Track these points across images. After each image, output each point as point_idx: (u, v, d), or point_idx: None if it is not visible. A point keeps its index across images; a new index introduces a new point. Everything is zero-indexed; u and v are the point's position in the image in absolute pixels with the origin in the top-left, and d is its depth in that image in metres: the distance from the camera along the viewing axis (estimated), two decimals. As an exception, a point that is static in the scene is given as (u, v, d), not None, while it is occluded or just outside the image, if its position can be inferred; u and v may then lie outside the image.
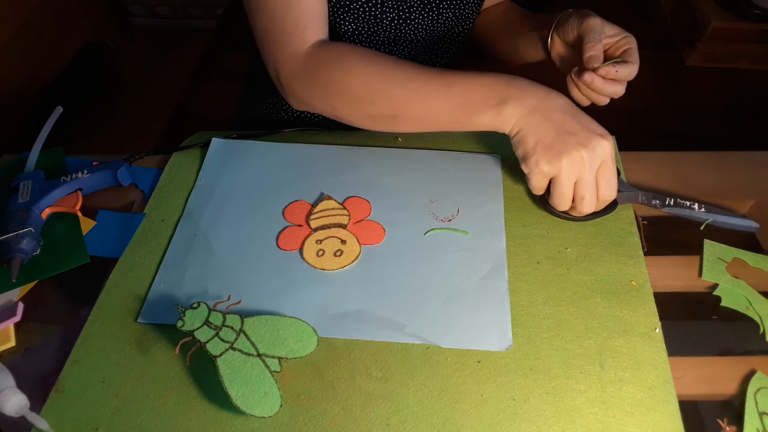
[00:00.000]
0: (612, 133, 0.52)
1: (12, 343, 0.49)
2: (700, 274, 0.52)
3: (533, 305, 0.49)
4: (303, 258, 0.53)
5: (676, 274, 0.53)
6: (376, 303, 0.50)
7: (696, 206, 0.56)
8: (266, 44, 0.58)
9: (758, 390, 0.45)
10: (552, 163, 0.50)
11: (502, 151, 0.63)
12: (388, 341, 0.47)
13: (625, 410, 0.43)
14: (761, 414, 0.43)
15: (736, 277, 0.52)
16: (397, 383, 0.45)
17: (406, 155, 0.63)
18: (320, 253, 0.53)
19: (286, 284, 0.51)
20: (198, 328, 0.45)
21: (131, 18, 2.10)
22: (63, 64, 1.66)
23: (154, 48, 2.05)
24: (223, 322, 0.45)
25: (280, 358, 0.45)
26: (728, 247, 0.54)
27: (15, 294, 0.52)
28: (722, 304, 0.50)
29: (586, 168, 0.50)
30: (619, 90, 0.55)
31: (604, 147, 0.50)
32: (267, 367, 0.43)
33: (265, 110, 0.79)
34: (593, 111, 0.55)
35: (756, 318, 0.49)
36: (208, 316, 0.45)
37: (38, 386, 0.45)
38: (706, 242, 0.55)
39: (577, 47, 0.57)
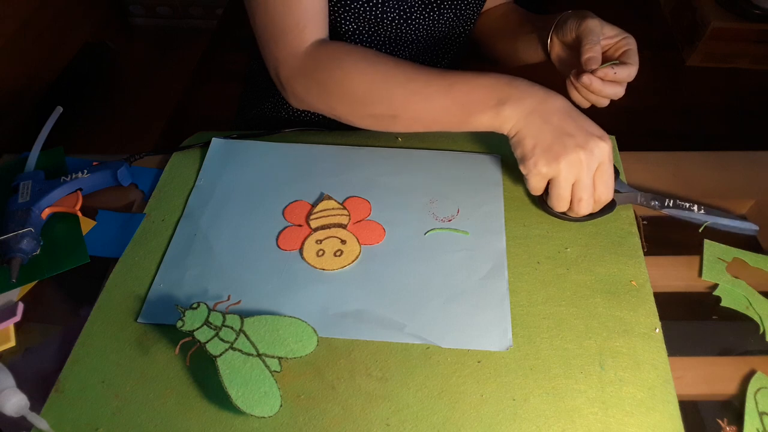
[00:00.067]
0: (612, 133, 0.52)
1: (12, 343, 0.49)
2: (700, 274, 0.52)
3: (533, 305, 0.49)
4: (303, 258, 0.53)
5: (676, 274, 0.53)
6: (376, 303, 0.50)
7: (695, 208, 0.56)
8: (266, 43, 0.58)
9: (758, 390, 0.45)
10: (550, 164, 0.50)
11: (502, 151, 0.63)
12: (388, 341, 0.47)
13: (625, 410, 0.43)
14: (761, 414, 0.43)
15: (736, 277, 0.52)
16: (397, 383, 0.45)
17: (406, 155, 0.63)
18: (320, 253, 0.53)
19: (286, 284, 0.51)
20: (198, 328, 0.45)
21: (131, 18, 2.10)
22: (63, 64, 1.66)
23: (154, 48, 2.05)
24: (223, 322, 0.45)
25: (280, 358, 0.45)
26: (728, 247, 0.54)
27: (15, 294, 0.52)
28: (722, 304, 0.50)
29: (584, 170, 0.50)
30: (618, 91, 0.55)
31: (602, 149, 0.50)
32: (267, 367, 0.43)
33: (265, 110, 0.79)
34: (593, 111, 0.55)
35: (756, 318, 0.49)
36: (208, 316, 0.45)
37: (38, 386, 0.45)
38: (706, 242, 0.55)
39: (576, 49, 0.57)
